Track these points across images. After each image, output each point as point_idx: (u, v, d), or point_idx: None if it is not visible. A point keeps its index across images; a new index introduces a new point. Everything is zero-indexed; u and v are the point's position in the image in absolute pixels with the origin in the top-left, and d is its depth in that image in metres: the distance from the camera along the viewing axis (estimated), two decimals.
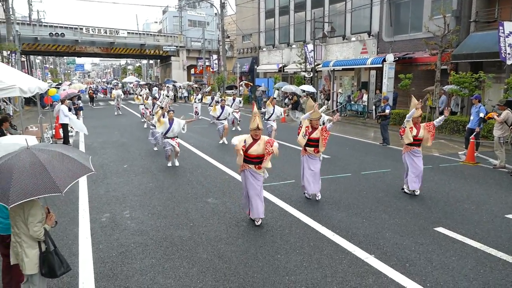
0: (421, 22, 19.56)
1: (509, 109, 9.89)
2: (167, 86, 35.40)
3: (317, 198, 7.34)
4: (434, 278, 4.49)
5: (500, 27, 13.45)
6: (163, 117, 9.97)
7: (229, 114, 14.49)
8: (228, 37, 40.03)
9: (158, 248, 5.32)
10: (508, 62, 13.63)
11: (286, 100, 23.54)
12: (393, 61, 19.43)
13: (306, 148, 7.27)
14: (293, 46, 29.93)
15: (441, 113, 16.84)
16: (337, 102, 24.83)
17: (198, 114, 21.28)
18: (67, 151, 3.71)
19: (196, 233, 5.82)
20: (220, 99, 16.90)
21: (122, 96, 29.84)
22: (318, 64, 25.20)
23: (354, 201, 7.28)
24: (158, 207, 6.99)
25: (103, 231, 5.91)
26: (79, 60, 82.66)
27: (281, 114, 14.38)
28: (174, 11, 58.97)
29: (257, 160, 6.02)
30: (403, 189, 7.85)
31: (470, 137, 10.88)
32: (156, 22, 78.62)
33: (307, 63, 25.14)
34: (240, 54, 39.30)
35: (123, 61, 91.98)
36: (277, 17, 32.27)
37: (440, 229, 5.90)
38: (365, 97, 21.87)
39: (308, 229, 5.96)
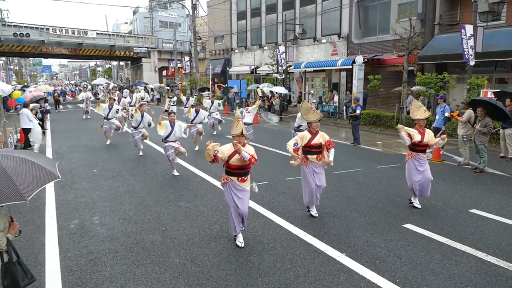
0: (388, 25, 20.09)
1: (471, 108, 10.28)
2: (146, 88, 34.56)
3: (315, 214, 6.54)
4: (403, 274, 4.61)
5: (462, 30, 13.96)
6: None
7: (204, 118, 13.73)
8: (200, 38, 39.77)
9: (129, 254, 5.23)
10: (471, 63, 14.15)
11: (260, 102, 23.58)
12: (363, 63, 19.84)
13: (308, 156, 6.34)
14: (265, 48, 30.12)
15: (408, 113, 17.32)
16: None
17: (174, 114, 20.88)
18: (32, 157, 3.60)
19: (168, 237, 5.76)
20: (196, 103, 16.32)
21: (92, 98, 28.65)
22: (290, 66, 25.44)
23: (326, 200, 7.37)
24: (129, 212, 6.87)
25: (71, 239, 5.76)
26: (46, 61, 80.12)
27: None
28: (144, 11, 58.09)
29: (239, 172, 5.26)
30: (411, 202, 7.00)
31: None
32: (127, 23, 77.21)
33: (279, 65, 25.33)
34: (212, 55, 39.19)
35: (92, 63, 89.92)
36: (249, 19, 32.39)
37: (408, 226, 6.06)
38: (336, 98, 22.22)
39: (280, 230, 6.00)
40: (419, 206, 6.89)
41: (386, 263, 4.89)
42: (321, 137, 6.34)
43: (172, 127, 9.30)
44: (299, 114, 11.25)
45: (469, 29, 13.92)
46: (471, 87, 13.97)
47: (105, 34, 47.20)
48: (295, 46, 25.80)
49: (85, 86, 41.64)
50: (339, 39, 23.55)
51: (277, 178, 9.05)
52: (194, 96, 22.98)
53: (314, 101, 23.45)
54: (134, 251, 5.29)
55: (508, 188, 8.22)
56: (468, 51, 14.00)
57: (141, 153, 11.98)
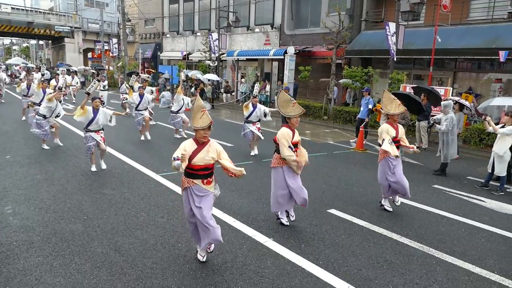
0: (319, 18, 20.70)
1: None
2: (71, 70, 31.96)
3: (291, 217, 5.82)
4: (326, 256, 4.82)
5: (386, 27, 14.81)
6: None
7: (148, 103, 12.56)
8: (130, 20, 37.99)
9: (46, 245, 4.88)
10: (395, 58, 15.11)
11: (192, 90, 23.22)
12: (294, 54, 20.27)
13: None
14: (198, 34, 29.59)
15: (334, 103, 18.09)
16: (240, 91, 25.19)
17: (104, 103, 19.39)
18: None
19: (90, 226, 5.47)
20: (138, 85, 14.22)
21: (7, 80, 25.12)
22: (223, 53, 25.26)
23: (255, 188, 7.47)
24: (46, 201, 6.40)
25: None
26: None
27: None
28: None
29: (204, 173, 4.43)
30: (381, 205, 6.57)
31: (360, 127, 11.87)
32: None
33: (212, 52, 25.05)
34: (143, 39, 37.67)
35: (6, 40, 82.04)
36: (181, 3, 31.52)
37: (332, 211, 6.35)
38: (268, 88, 22.52)
39: None
40: (391, 209, 6.46)
41: (311, 246, 5.08)
42: (297, 135, 5.67)
43: (95, 114, 8.08)
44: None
45: (392, 26, 14.80)
46: (392, 81, 14.92)
47: (22, 9, 43.31)
48: (229, 33, 25.65)
49: None
50: (272, 29, 23.81)
51: None
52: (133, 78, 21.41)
53: (243, 91, 23.59)
54: (52, 242, 4.95)
55: (419, 175, 8.94)
56: (392, 47, 14.90)
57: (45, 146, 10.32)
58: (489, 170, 8.01)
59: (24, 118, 13.95)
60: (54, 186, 7.19)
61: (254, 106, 10.31)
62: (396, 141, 6.33)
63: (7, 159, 8.97)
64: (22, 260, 4.49)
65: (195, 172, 4.41)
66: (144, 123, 11.88)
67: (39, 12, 45.40)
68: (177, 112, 12.27)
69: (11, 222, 5.52)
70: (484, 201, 7.23)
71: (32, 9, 47.79)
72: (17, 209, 6.00)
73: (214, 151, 4.45)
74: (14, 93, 25.55)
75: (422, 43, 15.75)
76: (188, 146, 4.43)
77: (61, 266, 4.40)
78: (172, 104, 12.80)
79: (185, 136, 11.93)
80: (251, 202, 6.65)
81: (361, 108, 12.55)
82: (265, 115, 10.24)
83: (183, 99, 12.32)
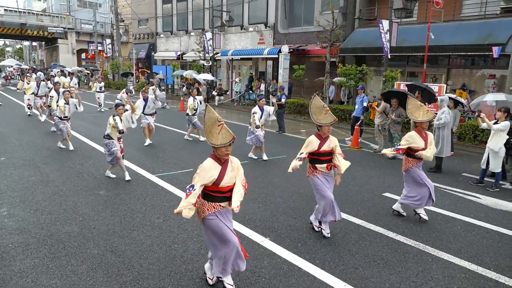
0: (312, 16, 20.73)
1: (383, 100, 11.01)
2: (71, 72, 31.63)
3: (327, 234, 5.35)
4: (322, 255, 4.83)
5: (380, 25, 14.86)
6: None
7: (154, 103, 11.62)
8: (123, 21, 37.86)
9: (42, 246, 4.85)
10: (389, 56, 15.15)
11: (184, 89, 23.14)
12: (288, 52, 20.29)
13: (316, 165, 5.31)
14: (192, 33, 29.54)
15: (331, 102, 18.14)
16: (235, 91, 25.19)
17: (101, 106, 19.01)
18: None
19: (86, 227, 5.45)
20: (141, 89, 13.18)
21: (1, 82, 24.40)
22: (217, 53, 25.24)
23: (251, 187, 7.42)
24: (42, 203, 6.37)
25: None
26: None
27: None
28: None
29: (230, 194, 3.85)
30: (416, 213, 6.10)
31: (355, 125, 11.91)
32: (40, 0, 71.03)
33: (206, 52, 25.01)
34: (136, 39, 37.56)
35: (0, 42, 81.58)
36: (174, 2, 31.46)
37: None
38: (262, 87, 22.53)
39: None
40: (426, 218, 6.00)
41: (307, 245, 5.09)
42: (332, 143, 5.26)
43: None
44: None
45: (385, 24, 14.85)
46: (387, 79, 14.96)
47: (15, 11, 43.03)
48: (222, 33, 25.62)
49: None
50: (265, 28, 23.81)
51: None
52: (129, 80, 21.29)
53: (238, 90, 23.57)
54: (48, 244, 4.93)
55: None
56: (386, 45, 14.95)
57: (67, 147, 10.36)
58: (483, 166, 8.06)
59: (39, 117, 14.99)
60: (50, 187, 7.15)
61: (262, 109, 9.67)
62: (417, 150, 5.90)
63: (2, 161, 8.91)
64: (18, 262, 4.47)
65: (222, 195, 3.81)
66: (147, 129, 11.23)
67: (32, 13, 45.08)
68: (194, 114, 11.78)
69: (6, 224, 5.48)
70: (479, 198, 7.28)
71: (25, 10, 47.44)
72: (13, 211, 5.97)
73: (237, 167, 3.89)
74: (8, 95, 25.40)
75: (415, 40, 15.81)
76: (212, 168, 3.74)
77: (57, 268, 4.38)
78: (166, 104, 12.55)
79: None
80: (247, 202, 6.64)
81: (356, 106, 12.58)
82: (269, 115, 9.83)
83: (200, 101, 11.96)
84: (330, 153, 5.27)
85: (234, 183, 3.85)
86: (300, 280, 4.25)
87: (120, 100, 13.02)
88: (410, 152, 5.95)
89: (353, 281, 4.25)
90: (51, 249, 4.81)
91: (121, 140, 7.86)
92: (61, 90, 11.72)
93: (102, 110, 18.54)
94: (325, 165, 5.26)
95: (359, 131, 11.83)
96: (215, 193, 3.78)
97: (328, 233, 5.32)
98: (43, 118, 14.80)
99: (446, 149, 9.05)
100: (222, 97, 23.95)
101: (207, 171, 3.70)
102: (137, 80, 31.58)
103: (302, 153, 5.29)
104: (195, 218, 5.81)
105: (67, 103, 10.21)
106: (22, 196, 6.68)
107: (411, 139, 5.91)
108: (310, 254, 4.83)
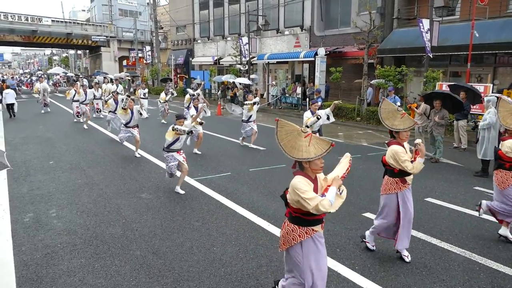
0: (349, 18, 20.44)
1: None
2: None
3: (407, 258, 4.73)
4: (362, 261, 4.74)
5: (420, 24, 14.44)
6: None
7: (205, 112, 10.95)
8: (162, 28, 38.92)
9: (88, 247, 5.07)
10: (431, 56, 14.70)
11: (219, 93, 23.39)
12: (325, 55, 20.11)
13: (406, 178, 4.68)
14: (228, 38, 29.89)
15: (369, 104, 17.81)
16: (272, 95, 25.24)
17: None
18: None
19: (129, 229, 5.63)
20: (193, 96, 12.50)
21: (49, 90, 24.35)
22: (253, 57, 25.40)
23: None
24: (87, 205, 6.65)
25: (26, 232, 5.51)
26: None
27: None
28: None
29: (322, 216, 3.43)
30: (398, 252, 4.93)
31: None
32: (84, 10, 74.30)
33: (242, 56, 25.23)
34: (175, 45, 38.46)
35: (48, 51, 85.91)
36: (211, 9, 31.97)
37: (368, 215, 6.24)
38: (299, 90, 22.44)
39: (244, 220, 6.01)
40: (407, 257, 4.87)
41: (346, 251, 5.01)
42: (408, 150, 4.70)
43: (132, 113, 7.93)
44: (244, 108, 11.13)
45: (426, 23, 14.41)
46: (428, 80, 14.50)
47: (61, 21, 45.22)
48: (258, 37, 25.77)
49: (40, 75, 38.38)
50: (301, 31, 23.72)
51: (240, 169, 9.04)
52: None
53: (274, 94, 23.58)
54: (93, 244, 5.14)
55: (460, 177, 8.63)
56: (427, 44, 14.51)
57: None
58: None
59: (84, 125, 15.33)
60: (94, 190, 7.45)
61: (314, 113, 8.90)
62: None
63: (51, 165, 9.38)
64: (66, 262, 4.69)
65: (316, 217, 3.36)
66: (196, 139, 10.64)
67: (77, 23, 47.17)
68: (248, 121, 11.40)
69: (55, 225, 5.76)
70: None
71: (70, 21, 49.76)
72: (60, 213, 6.27)
73: (325, 181, 3.49)
74: (57, 102, 26.67)
75: (458, 39, 15.23)
76: (307, 184, 3.28)
77: (102, 268, 4.55)
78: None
79: (253, 146, 11.44)
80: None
81: None
82: (328, 117, 8.99)
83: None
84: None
85: None
86: (339, 286, 4.20)
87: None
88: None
89: None
90: (96, 249, 5.00)
91: (181, 151, 7.46)
92: (120, 97, 11.92)
93: (146, 116, 18.79)
94: (411, 176, 4.70)
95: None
96: (308, 216, 3.31)
97: (373, 245, 5.00)
98: (86, 126, 15.20)
99: (491, 151, 8.64)
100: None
101: (304, 186, 3.23)
102: (175, 86, 32.28)
103: (406, 159, 4.52)
104: (233, 222, 5.89)
105: (131, 111, 10.17)
106: (69, 198, 7.00)
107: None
108: (350, 260, 4.76)
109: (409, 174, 4.60)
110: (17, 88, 31.09)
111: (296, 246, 3.39)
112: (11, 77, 37.22)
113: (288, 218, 3.49)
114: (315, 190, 3.30)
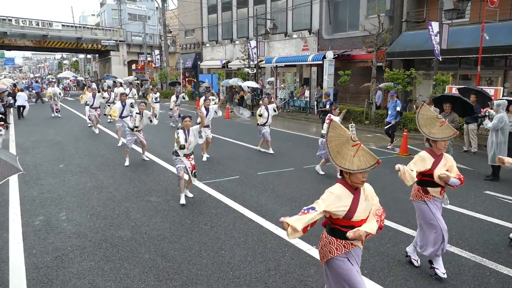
0: (358, 21, 20.40)
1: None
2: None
3: (442, 274, 4.38)
4: (371, 265, 4.71)
5: (429, 27, 14.36)
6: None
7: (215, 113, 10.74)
8: (170, 32, 39.22)
9: (97, 250, 5.11)
10: (440, 59, 14.61)
11: (226, 96, 23.41)
12: (333, 58, 20.08)
13: (429, 189, 4.45)
14: (236, 42, 29.99)
15: (378, 108, 17.73)
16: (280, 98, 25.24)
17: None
18: None
19: (138, 232, 5.66)
20: (204, 97, 11.83)
21: (61, 94, 23.06)
22: (262, 61, 25.45)
23: (297, 194, 7.44)
24: (97, 208, 6.71)
25: (36, 235, 5.57)
26: (8, 54, 76.76)
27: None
28: (112, 3, 56.72)
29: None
30: (408, 255, 4.80)
31: (404, 130, 11.56)
32: (94, 15, 75.26)
33: (251, 60, 25.29)
34: (183, 49, 38.71)
35: (58, 55, 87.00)
36: (219, 12, 32.14)
37: None
38: (307, 93, 22.43)
39: (252, 223, 6.01)
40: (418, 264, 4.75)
41: None
42: (448, 161, 4.42)
43: (186, 135, 7.00)
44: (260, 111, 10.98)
45: (435, 26, 14.33)
46: (437, 83, 14.41)
47: (71, 26, 45.78)
48: (267, 41, 25.82)
49: (51, 80, 38.30)
50: (309, 34, 23.73)
51: (248, 172, 9.06)
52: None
53: (282, 97, 23.57)
54: (103, 247, 5.18)
55: (470, 181, 8.53)
56: (436, 47, 14.43)
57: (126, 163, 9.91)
58: None
59: (94, 129, 15.38)
60: (104, 193, 7.51)
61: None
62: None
63: (61, 168, 9.48)
64: (76, 264, 4.73)
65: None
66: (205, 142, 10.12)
67: (87, 28, 47.75)
68: (264, 124, 11.19)
69: (65, 228, 5.82)
70: None
71: (80, 25, 50.36)
72: (70, 216, 6.33)
73: (371, 196, 3.22)
74: (68, 106, 26.93)
75: (468, 42, 15.13)
76: (343, 197, 3.09)
77: (112, 271, 4.59)
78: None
79: (262, 150, 11.36)
80: (293, 209, 6.62)
81: (389, 112, 12.27)
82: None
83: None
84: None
85: (367, 216, 3.16)
86: None
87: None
88: None
89: None
90: (106, 252, 5.04)
91: (190, 157, 7.12)
92: (128, 101, 11.84)
93: (155, 123, 18.74)
94: (439, 189, 4.40)
95: (390, 136, 11.71)
96: (346, 229, 3.06)
97: (444, 273, 4.35)
98: (97, 130, 15.11)
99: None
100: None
101: (338, 199, 3.06)
102: (184, 89, 32.46)
103: (412, 170, 4.28)
104: (241, 225, 5.90)
105: (140, 114, 9.90)
106: (79, 201, 7.06)
107: None
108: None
109: (433, 184, 4.40)
110: (27, 91, 31.31)
111: (332, 259, 3.21)
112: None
113: (326, 229, 3.33)
114: (356, 201, 3.09)
